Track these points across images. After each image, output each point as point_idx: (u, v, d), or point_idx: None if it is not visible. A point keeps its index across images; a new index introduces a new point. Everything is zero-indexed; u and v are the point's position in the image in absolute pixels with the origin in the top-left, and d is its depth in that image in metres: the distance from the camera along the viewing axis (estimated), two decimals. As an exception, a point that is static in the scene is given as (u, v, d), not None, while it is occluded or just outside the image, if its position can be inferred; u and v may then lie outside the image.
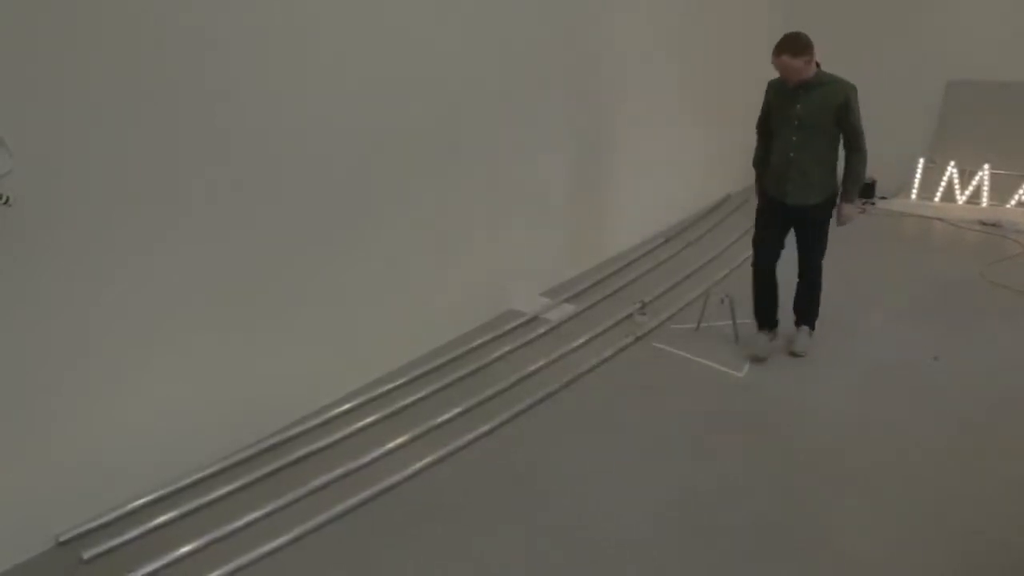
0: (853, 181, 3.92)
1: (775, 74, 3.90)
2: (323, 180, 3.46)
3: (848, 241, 6.26)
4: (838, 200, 3.98)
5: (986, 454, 3.31)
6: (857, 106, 3.84)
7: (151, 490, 3.01)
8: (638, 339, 4.47)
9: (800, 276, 4.19)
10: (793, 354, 4.20)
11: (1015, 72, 6.89)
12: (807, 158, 3.89)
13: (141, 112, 2.72)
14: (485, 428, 3.51)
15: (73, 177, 2.59)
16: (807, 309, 4.28)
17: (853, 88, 3.85)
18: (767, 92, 4.12)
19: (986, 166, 7.04)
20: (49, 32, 2.43)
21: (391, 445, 3.38)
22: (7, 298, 2.50)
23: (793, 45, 3.72)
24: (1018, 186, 6.94)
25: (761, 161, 4.21)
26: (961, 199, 7.21)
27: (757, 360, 4.14)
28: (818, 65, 3.88)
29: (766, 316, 4.30)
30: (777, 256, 4.17)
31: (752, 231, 4.31)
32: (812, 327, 4.33)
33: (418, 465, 3.24)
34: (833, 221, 4.04)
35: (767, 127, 4.13)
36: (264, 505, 2.94)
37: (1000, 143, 7.00)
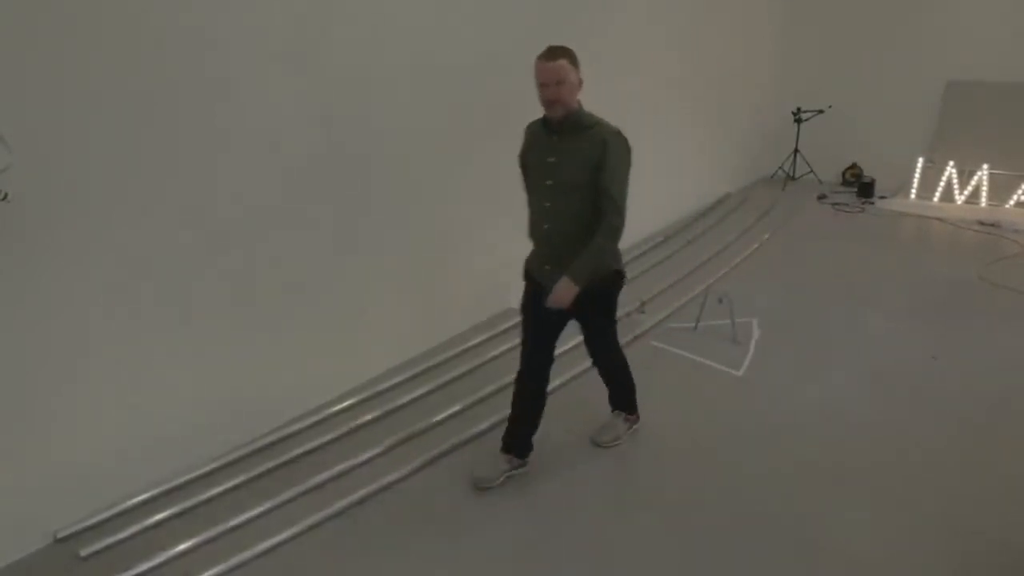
0: (590, 256, 2.80)
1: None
2: (322, 179, 3.46)
3: (848, 241, 6.30)
4: (581, 275, 2.81)
5: (986, 453, 3.31)
6: (620, 163, 2.83)
7: (149, 488, 3.00)
8: (636, 338, 4.46)
9: (594, 364, 3.39)
10: (595, 444, 3.39)
11: (1015, 72, 6.90)
12: (566, 231, 2.86)
13: (142, 111, 2.72)
14: (483, 427, 3.51)
15: (73, 177, 2.58)
16: (615, 393, 3.43)
17: (616, 135, 2.83)
18: (525, 137, 3.06)
19: (985, 166, 7.04)
20: (49, 32, 2.43)
21: (388, 443, 3.37)
22: (7, 297, 2.50)
23: (569, 52, 2.76)
24: (1017, 186, 6.95)
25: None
26: (960, 199, 7.22)
27: (481, 486, 3.09)
28: (580, 105, 2.87)
29: (516, 438, 3.16)
30: (549, 362, 3.16)
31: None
32: (629, 412, 3.45)
33: (415, 464, 3.23)
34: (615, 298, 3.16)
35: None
36: (261, 503, 2.94)
37: (999, 143, 7.00)
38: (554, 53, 2.69)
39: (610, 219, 2.79)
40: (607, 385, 3.41)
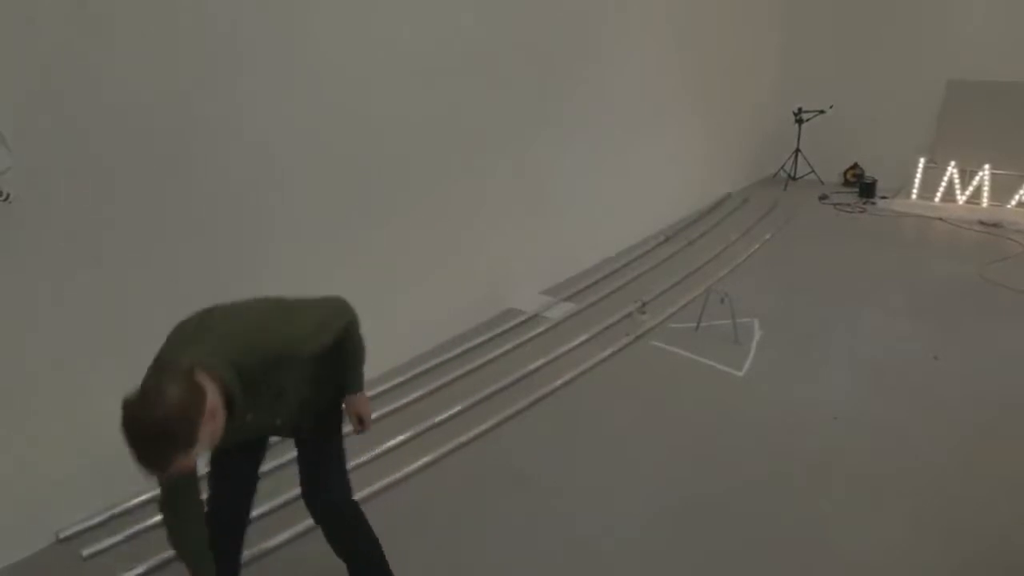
0: (355, 362, 2.31)
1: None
2: (321, 179, 3.46)
3: (849, 241, 6.29)
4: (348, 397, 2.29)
5: (986, 454, 3.31)
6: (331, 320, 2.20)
7: (151, 488, 3.00)
8: (638, 338, 4.47)
9: (323, 519, 2.32)
10: None
11: (1015, 72, 6.89)
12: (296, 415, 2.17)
13: (143, 111, 2.72)
14: (484, 427, 3.51)
15: (74, 177, 2.59)
16: (367, 569, 2.40)
17: (297, 339, 1.99)
18: None
19: (986, 166, 7.04)
20: (50, 32, 2.43)
21: (390, 443, 3.38)
22: (7, 296, 2.50)
23: (177, 438, 1.65)
24: (1018, 186, 6.94)
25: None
26: (961, 199, 7.21)
27: None
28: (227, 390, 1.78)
29: None
30: (252, 495, 2.32)
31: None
32: None
33: (417, 464, 3.24)
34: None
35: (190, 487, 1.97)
36: (262, 503, 2.94)
37: (1000, 143, 7.00)
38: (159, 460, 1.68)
39: (355, 335, 2.35)
40: (349, 562, 2.37)
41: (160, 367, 1.75)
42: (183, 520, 1.96)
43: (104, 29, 2.57)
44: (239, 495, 2.24)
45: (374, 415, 3.56)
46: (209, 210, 3.04)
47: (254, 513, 2.85)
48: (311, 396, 2.13)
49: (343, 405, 2.27)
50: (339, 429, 2.32)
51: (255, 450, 2.23)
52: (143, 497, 2.97)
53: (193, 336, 1.84)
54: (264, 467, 2.32)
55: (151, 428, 1.61)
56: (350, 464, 3.20)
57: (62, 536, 2.80)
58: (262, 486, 2.32)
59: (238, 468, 2.19)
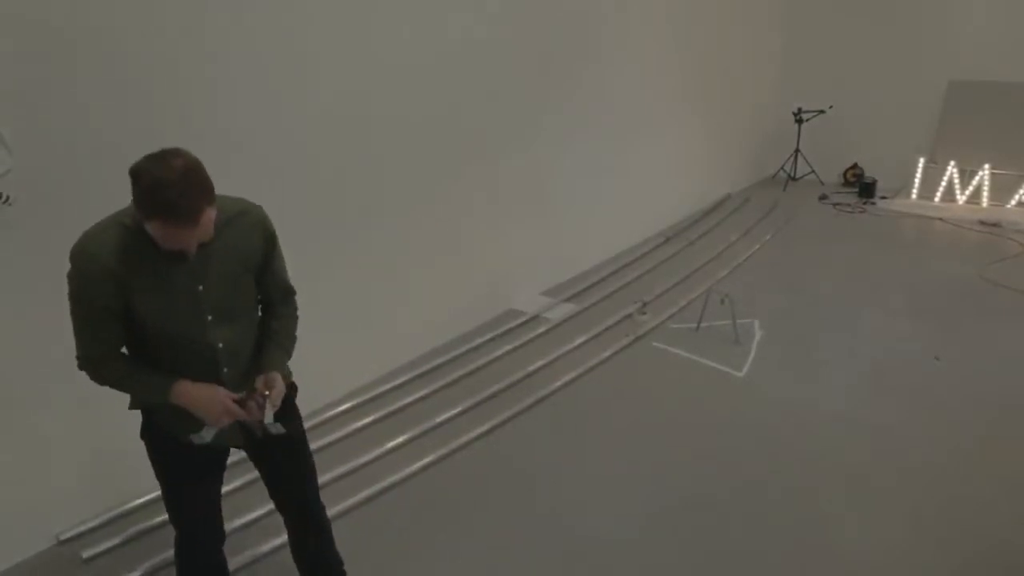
0: (288, 349, 2.08)
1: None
2: (321, 179, 3.46)
3: (849, 241, 6.29)
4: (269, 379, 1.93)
5: (986, 454, 3.31)
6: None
7: (151, 490, 3.00)
8: (638, 338, 4.47)
9: (297, 530, 2.30)
10: None
11: (1015, 72, 6.89)
12: (243, 355, 1.97)
13: (143, 112, 2.72)
14: (485, 428, 3.51)
15: (74, 177, 2.59)
16: (326, 570, 2.38)
17: (262, 212, 2.02)
18: (93, 281, 1.73)
19: (986, 166, 7.04)
20: (51, 34, 2.44)
21: (390, 445, 3.38)
22: (7, 296, 2.50)
23: (203, 185, 1.70)
24: (1018, 186, 6.94)
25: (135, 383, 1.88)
26: (961, 199, 7.22)
27: None
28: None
29: None
30: (222, 528, 2.22)
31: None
32: None
33: (417, 465, 3.24)
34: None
35: (115, 340, 1.83)
36: (263, 505, 2.93)
37: (1000, 143, 7.00)
38: (185, 209, 1.64)
39: (295, 303, 2.17)
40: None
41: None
42: (119, 364, 1.85)
43: (102, 30, 2.58)
44: (214, 514, 2.16)
45: (374, 416, 3.59)
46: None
47: (248, 517, 2.88)
48: (245, 343, 1.96)
49: (261, 384, 1.90)
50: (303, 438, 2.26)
51: (217, 472, 2.11)
52: (143, 499, 2.97)
53: None
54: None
55: (176, 172, 1.61)
56: (351, 465, 3.22)
57: (62, 538, 2.80)
58: (256, 489, 2.31)
59: (206, 490, 2.10)
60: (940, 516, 2.92)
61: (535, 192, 4.89)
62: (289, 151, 3.28)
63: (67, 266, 1.74)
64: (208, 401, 1.83)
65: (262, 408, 1.87)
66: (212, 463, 2.08)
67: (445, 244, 4.26)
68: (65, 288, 1.75)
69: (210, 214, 1.69)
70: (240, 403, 1.86)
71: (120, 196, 2.71)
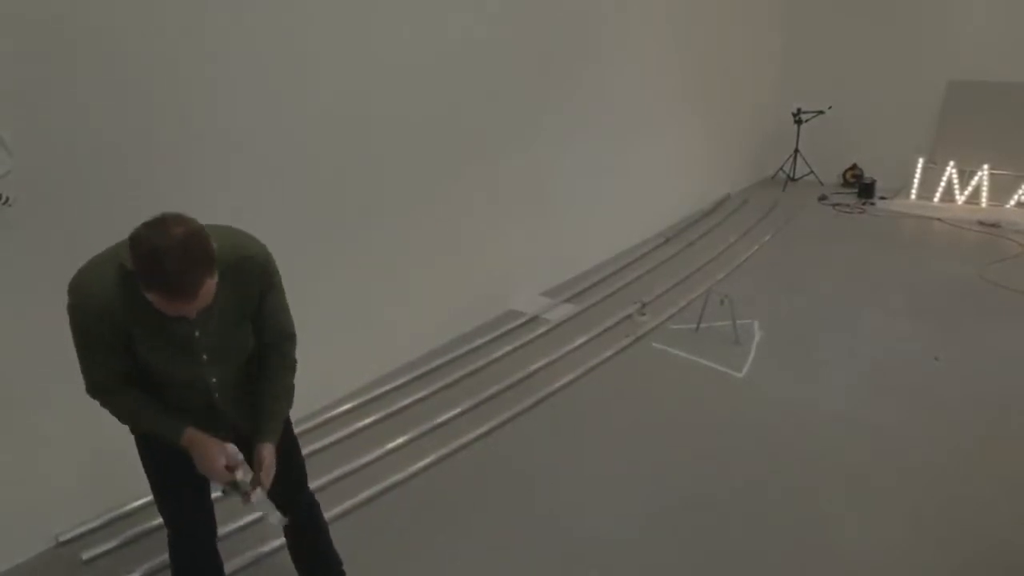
0: (282, 408, 2.03)
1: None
2: (321, 179, 3.46)
3: (849, 242, 6.29)
4: (264, 441, 1.97)
5: (986, 454, 3.31)
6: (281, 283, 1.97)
7: (150, 491, 3.00)
8: (638, 339, 4.47)
9: (294, 530, 2.30)
10: None
11: (1015, 72, 6.89)
12: (237, 384, 1.99)
13: (143, 112, 2.72)
14: (485, 428, 3.51)
15: (74, 178, 2.59)
16: (325, 568, 2.42)
17: (262, 255, 1.92)
18: (92, 316, 1.74)
19: (985, 166, 7.04)
20: (51, 34, 2.44)
21: (391, 445, 3.38)
22: (7, 296, 2.50)
23: (204, 256, 1.60)
24: (1017, 186, 6.94)
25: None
26: (961, 199, 7.22)
27: None
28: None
29: None
30: (214, 522, 2.22)
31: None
32: None
33: (418, 465, 3.24)
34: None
35: (120, 368, 1.83)
36: (264, 507, 2.93)
37: (1000, 143, 7.00)
38: (184, 285, 1.57)
39: (293, 356, 2.09)
40: (313, 564, 2.39)
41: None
42: (128, 397, 1.86)
43: (102, 30, 2.58)
44: (204, 508, 2.17)
45: (375, 417, 3.59)
46: (209, 211, 3.04)
47: (250, 518, 2.87)
48: (239, 374, 1.97)
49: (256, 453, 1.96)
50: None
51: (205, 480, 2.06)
52: (143, 500, 2.97)
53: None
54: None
55: (177, 246, 1.53)
56: (351, 466, 3.22)
57: (62, 539, 2.80)
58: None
59: (196, 484, 2.08)
60: (940, 516, 2.92)
61: (535, 192, 4.89)
62: (289, 151, 3.28)
63: (68, 267, 1.75)
64: (206, 461, 1.87)
65: (254, 490, 1.94)
66: (203, 485, 2.10)
67: (445, 244, 4.26)
68: (64, 300, 1.74)
69: (211, 285, 1.62)
70: (232, 469, 1.91)
71: (120, 196, 2.72)
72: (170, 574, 2.22)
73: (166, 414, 1.87)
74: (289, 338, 2.03)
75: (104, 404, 1.86)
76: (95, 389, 1.84)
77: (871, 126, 7.84)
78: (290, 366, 2.05)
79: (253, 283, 1.87)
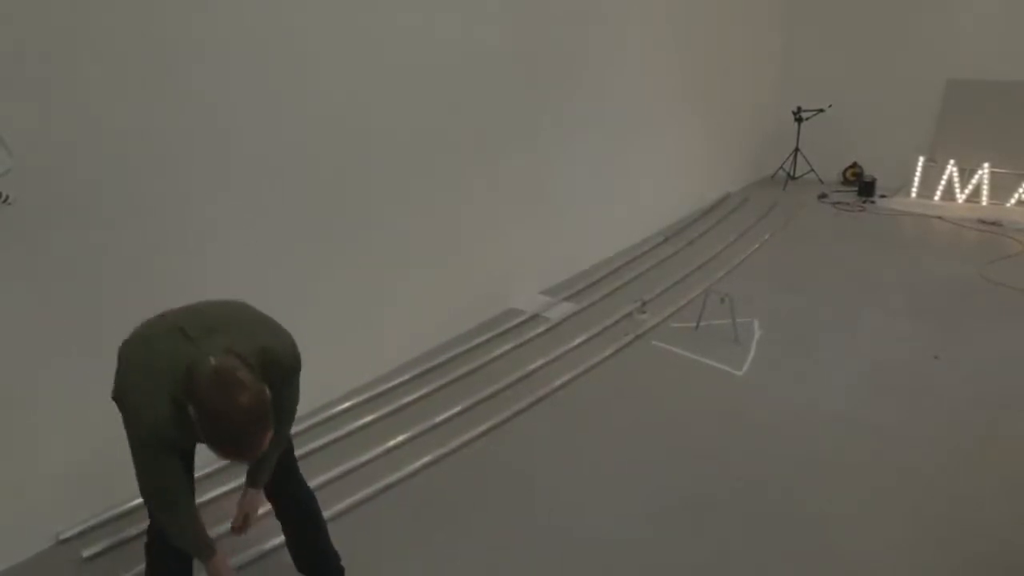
0: (275, 456, 2.15)
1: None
2: (321, 179, 3.46)
3: (849, 240, 6.29)
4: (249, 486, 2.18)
5: (986, 454, 3.31)
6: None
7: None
8: (638, 337, 4.47)
9: (292, 525, 2.41)
10: None
11: (1015, 72, 6.89)
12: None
13: (142, 113, 2.72)
14: (484, 427, 3.51)
15: (74, 177, 2.59)
16: (324, 562, 2.46)
17: (297, 357, 2.03)
18: (151, 443, 1.82)
19: (986, 165, 7.04)
20: (51, 33, 2.43)
21: (390, 444, 3.38)
22: (8, 296, 2.50)
23: (266, 418, 1.71)
24: (1018, 185, 6.95)
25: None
26: (961, 198, 7.22)
27: None
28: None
29: None
30: None
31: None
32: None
33: (417, 464, 3.24)
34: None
35: (179, 478, 1.92)
36: (264, 505, 2.93)
37: (1000, 142, 7.01)
38: (253, 442, 1.70)
39: (288, 435, 2.23)
40: (311, 556, 2.45)
41: (201, 351, 1.74)
42: (187, 510, 1.96)
43: (102, 30, 2.57)
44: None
45: (375, 415, 3.59)
46: (209, 211, 3.04)
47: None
48: None
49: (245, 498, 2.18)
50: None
51: (188, 461, 2.12)
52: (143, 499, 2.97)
53: (218, 324, 1.87)
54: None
55: (246, 414, 1.63)
56: (350, 464, 3.22)
57: (62, 537, 2.80)
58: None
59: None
60: (940, 516, 2.92)
61: (535, 191, 4.89)
62: (289, 151, 3.28)
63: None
64: None
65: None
66: (186, 455, 2.11)
67: (445, 243, 4.26)
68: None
69: (268, 437, 1.73)
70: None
71: (120, 195, 2.72)
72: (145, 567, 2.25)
73: (204, 534, 1.98)
74: (290, 422, 2.18)
75: (156, 510, 1.96)
76: (151, 497, 1.93)
77: (871, 124, 7.85)
78: (285, 438, 2.21)
79: (276, 383, 1.89)
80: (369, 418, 3.58)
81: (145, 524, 2.82)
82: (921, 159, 7.41)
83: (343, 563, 2.48)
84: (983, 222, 6.66)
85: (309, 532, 2.38)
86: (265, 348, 1.89)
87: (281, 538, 2.68)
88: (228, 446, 1.67)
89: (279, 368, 1.92)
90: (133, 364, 1.85)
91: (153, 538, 2.19)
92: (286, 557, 2.53)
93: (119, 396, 1.84)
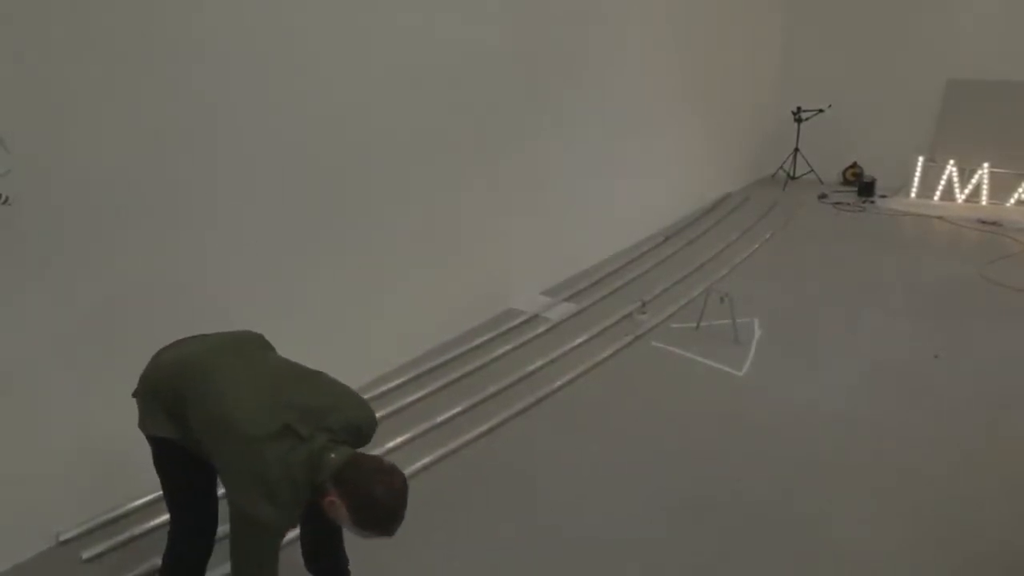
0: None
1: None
2: (321, 178, 3.46)
3: (849, 240, 6.29)
4: None
5: (986, 454, 3.31)
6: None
7: (151, 490, 3.00)
8: (638, 338, 4.47)
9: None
10: None
11: (1014, 72, 6.90)
12: None
13: (141, 113, 2.72)
14: (485, 427, 3.51)
15: (74, 177, 2.59)
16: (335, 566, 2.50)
17: (374, 425, 2.18)
18: (279, 539, 2.00)
19: (985, 165, 7.05)
20: (51, 33, 2.43)
21: (390, 444, 3.38)
22: (8, 296, 2.50)
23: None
24: (1018, 185, 6.95)
25: None
26: (961, 198, 7.22)
27: None
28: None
29: None
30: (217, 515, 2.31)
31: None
32: None
33: (417, 464, 3.24)
34: None
35: None
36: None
37: (1000, 142, 7.01)
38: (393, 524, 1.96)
39: None
40: None
41: (315, 446, 1.87)
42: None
43: (101, 30, 2.57)
44: (213, 502, 2.30)
45: (377, 415, 3.58)
46: (209, 210, 3.04)
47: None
48: None
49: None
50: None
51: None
52: (143, 500, 2.97)
53: (317, 408, 1.97)
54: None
55: (404, 494, 1.94)
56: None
57: (62, 539, 2.80)
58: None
59: (205, 478, 2.22)
60: (940, 516, 2.92)
61: (535, 191, 4.89)
62: (289, 151, 3.28)
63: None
64: None
65: None
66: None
67: (445, 243, 4.26)
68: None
69: None
70: None
71: (120, 195, 2.72)
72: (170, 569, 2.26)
73: None
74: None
75: None
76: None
77: (871, 124, 7.85)
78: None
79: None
80: (369, 418, 3.58)
81: (145, 524, 2.85)
82: (921, 159, 7.41)
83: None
84: (983, 222, 6.66)
85: (324, 534, 2.43)
86: (351, 422, 2.03)
87: (292, 534, 2.68)
88: (384, 533, 1.91)
89: (363, 438, 2.10)
90: (255, 475, 1.84)
91: (167, 565, 2.24)
92: (294, 554, 2.53)
93: (237, 500, 1.87)
